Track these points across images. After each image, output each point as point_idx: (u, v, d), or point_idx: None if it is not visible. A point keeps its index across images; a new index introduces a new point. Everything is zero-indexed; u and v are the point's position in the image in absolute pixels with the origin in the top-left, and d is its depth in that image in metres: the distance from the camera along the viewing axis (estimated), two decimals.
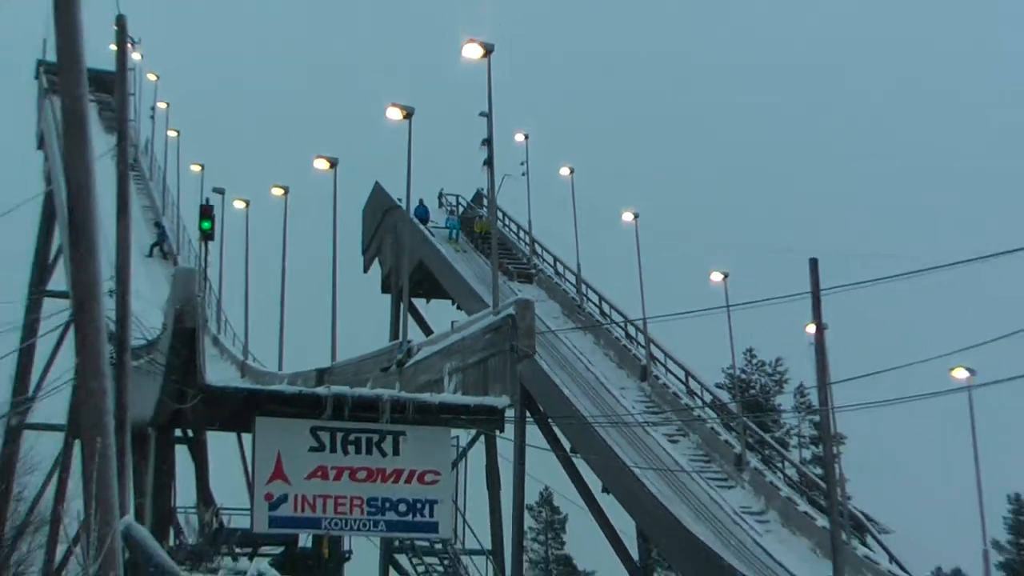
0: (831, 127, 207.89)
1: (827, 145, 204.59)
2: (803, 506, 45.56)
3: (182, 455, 43.50)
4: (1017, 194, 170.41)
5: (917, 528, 71.35)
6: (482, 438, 43.94)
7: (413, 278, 59.27)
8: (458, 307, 59.98)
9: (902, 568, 43.21)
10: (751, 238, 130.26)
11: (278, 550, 39.71)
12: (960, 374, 42.42)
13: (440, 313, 62.56)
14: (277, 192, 62.00)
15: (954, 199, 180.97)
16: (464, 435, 43.35)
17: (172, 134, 71.74)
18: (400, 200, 57.72)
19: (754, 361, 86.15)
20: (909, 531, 56.98)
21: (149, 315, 41.64)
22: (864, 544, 44.40)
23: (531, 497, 70.35)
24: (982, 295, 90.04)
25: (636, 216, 59.76)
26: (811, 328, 38.78)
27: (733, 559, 41.55)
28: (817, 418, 46.63)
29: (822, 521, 41.88)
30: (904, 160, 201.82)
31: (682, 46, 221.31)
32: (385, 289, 65.13)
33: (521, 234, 67.38)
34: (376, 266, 67.12)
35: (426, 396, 40.23)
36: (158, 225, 63.07)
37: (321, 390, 39.53)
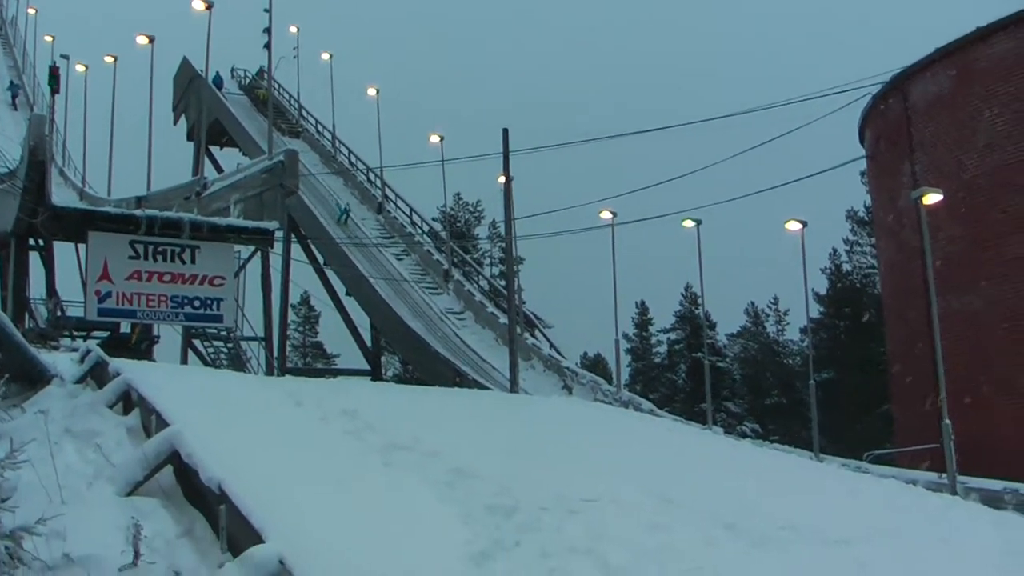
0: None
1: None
2: (491, 308, 46.37)
3: (34, 259, 42.70)
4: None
5: (572, 324, 73.14)
6: (258, 253, 43.76)
7: (210, 130, 58.63)
8: (243, 153, 59.31)
9: (559, 353, 44.40)
10: (470, 109, 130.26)
11: (105, 334, 39.34)
12: (606, 215, 43.27)
13: (230, 157, 61.97)
14: (109, 60, 61.38)
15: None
16: (245, 250, 43.08)
17: (31, 12, 69.88)
18: (202, 71, 56.84)
19: (461, 202, 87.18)
20: (566, 326, 58.31)
21: (11, 150, 40.48)
22: (533, 336, 45.39)
23: (294, 298, 70.19)
24: (624, 161, 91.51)
25: (378, 91, 60.07)
26: (502, 179, 39.32)
27: (439, 346, 42.33)
28: (503, 244, 47.25)
29: (503, 319, 42.69)
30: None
31: None
32: (189, 138, 63.95)
33: (292, 101, 66.86)
34: (183, 120, 66.09)
35: (216, 219, 40.03)
36: (12, 83, 61.23)
37: (138, 212, 39.10)
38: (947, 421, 27.61)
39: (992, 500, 23.79)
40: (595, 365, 79.14)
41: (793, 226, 38.91)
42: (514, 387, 35.63)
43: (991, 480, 28.26)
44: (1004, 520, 15.12)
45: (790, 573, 9.51)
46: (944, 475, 27.43)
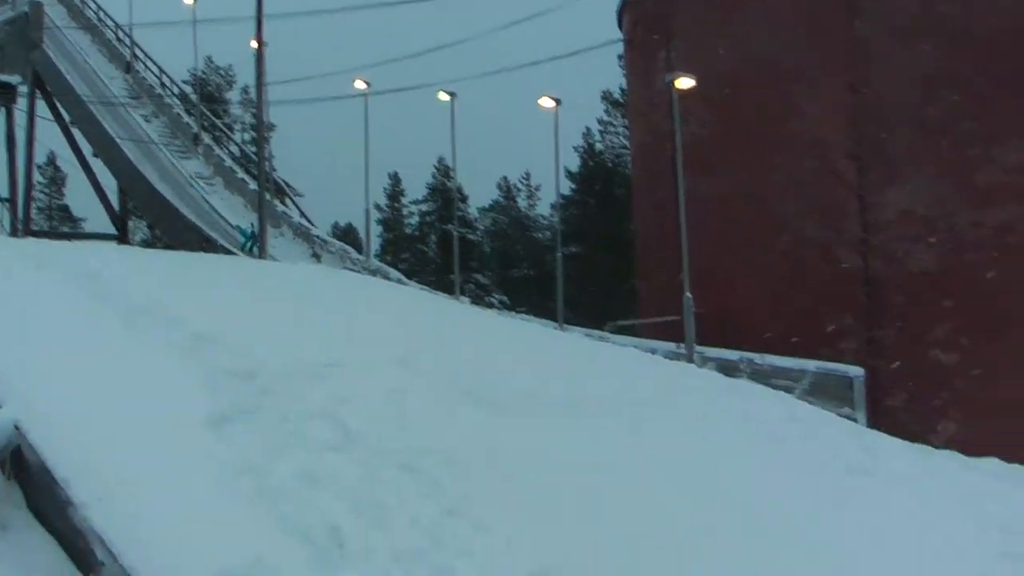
0: None
1: None
2: (241, 174, 45.78)
3: None
4: None
5: (323, 193, 72.84)
6: (1, 108, 42.03)
7: None
8: None
9: (309, 221, 44.23)
10: None
11: None
12: (360, 84, 42.89)
13: None
14: None
15: None
16: None
17: None
18: None
19: (212, 65, 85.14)
20: (317, 195, 58.00)
21: None
22: (283, 203, 45.05)
23: (39, 158, 67.61)
24: (384, 33, 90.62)
25: None
26: (254, 43, 38.66)
27: (187, 210, 41.65)
28: (255, 109, 46.54)
29: (253, 185, 42.21)
30: None
31: None
32: None
33: None
34: None
35: None
36: None
37: None
38: (688, 294, 28.65)
39: (728, 369, 24.79)
40: (346, 235, 78.91)
41: (547, 103, 39.25)
42: (263, 253, 35.38)
43: (729, 350, 29.48)
44: (738, 387, 15.73)
45: (525, 439, 9.69)
46: (683, 345, 28.43)
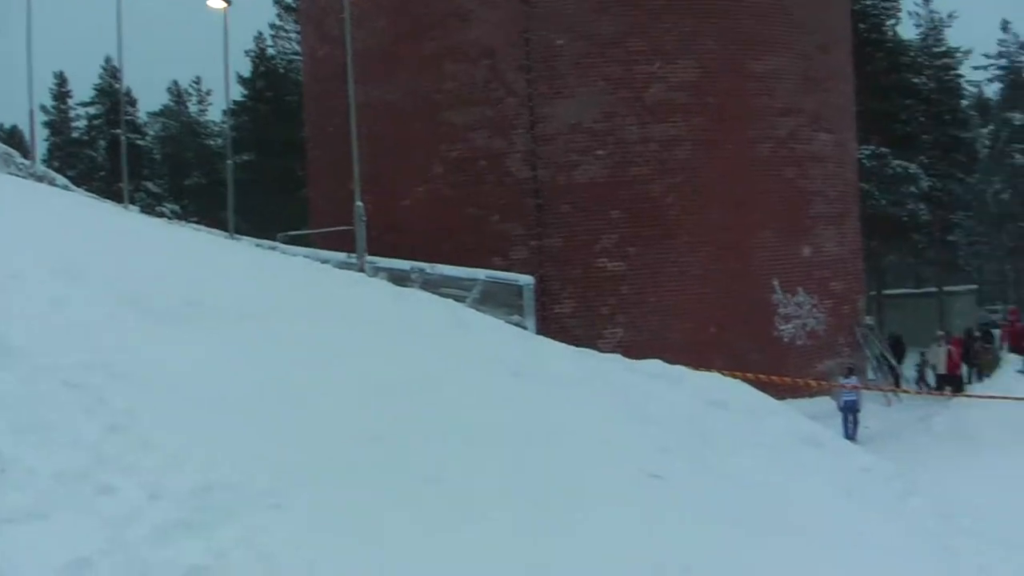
0: None
1: None
2: None
3: None
4: None
5: None
6: None
7: None
8: None
9: None
10: None
11: None
12: None
13: None
14: None
15: None
16: None
17: None
18: None
19: None
20: None
21: None
22: None
23: None
24: None
25: None
26: None
27: None
28: None
29: None
30: None
31: None
32: None
33: None
34: None
35: None
36: None
37: None
38: (359, 203, 28.73)
39: (400, 279, 25.07)
40: (11, 138, 75.45)
41: (216, 4, 38.42)
42: None
43: (400, 260, 29.77)
44: (406, 295, 16.00)
45: (192, 349, 9.50)
46: (354, 255, 28.55)
